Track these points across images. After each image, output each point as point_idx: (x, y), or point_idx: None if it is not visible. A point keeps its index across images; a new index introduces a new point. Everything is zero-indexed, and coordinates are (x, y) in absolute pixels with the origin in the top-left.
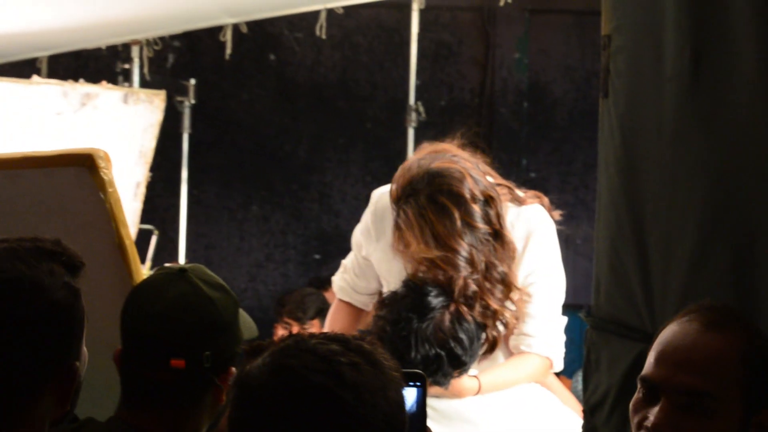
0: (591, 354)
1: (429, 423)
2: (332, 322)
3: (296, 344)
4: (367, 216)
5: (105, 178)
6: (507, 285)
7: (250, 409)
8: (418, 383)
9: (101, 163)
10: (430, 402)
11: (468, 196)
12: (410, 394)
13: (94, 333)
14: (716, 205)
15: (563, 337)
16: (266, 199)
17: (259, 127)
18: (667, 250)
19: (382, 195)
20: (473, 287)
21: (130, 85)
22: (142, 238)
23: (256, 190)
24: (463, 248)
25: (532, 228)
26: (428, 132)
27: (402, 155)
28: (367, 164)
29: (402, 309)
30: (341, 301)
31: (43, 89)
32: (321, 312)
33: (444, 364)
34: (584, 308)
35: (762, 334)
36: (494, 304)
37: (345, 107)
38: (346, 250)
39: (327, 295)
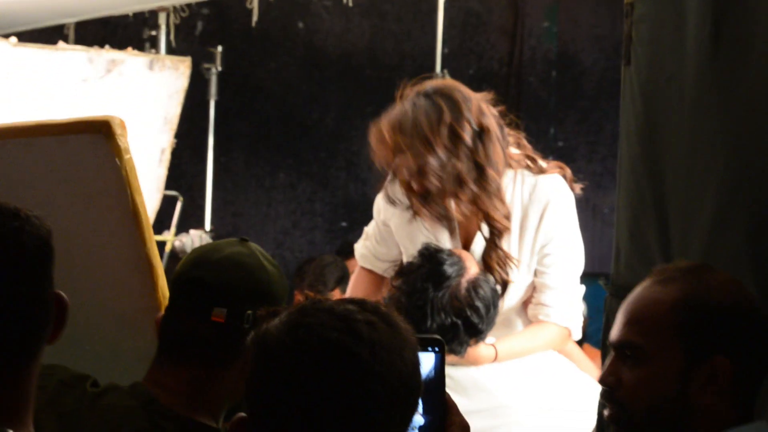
0: (610, 321)
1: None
2: (354, 289)
3: (313, 304)
4: (387, 181)
5: (121, 145)
6: (478, 207)
7: (267, 365)
8: (437, 348)
9: (117, 130)
10: (446, 370)
11: (463, 108)
12: (428, 360)
13: (106, 301)
14: (735, 174)
15: (581, 307)
16: (293, 167)
17: (286, 95)
18: (687, 217)
19: (395, 193)
20: (436, 185)
21: (157, 52)
22: (168, 204)
23: (283, 158)
24: (440, 148)
25: (549, 198)
26: None
27: None
28: None
29: (417, 279)
30: (363, 268)
31: (68, 55)
32: (342, 280)
33: (460, 332)
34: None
35: (716, 285)
36: (452, 212)
37: (373, 75)
38: (372, 217)
39: (351, 262)
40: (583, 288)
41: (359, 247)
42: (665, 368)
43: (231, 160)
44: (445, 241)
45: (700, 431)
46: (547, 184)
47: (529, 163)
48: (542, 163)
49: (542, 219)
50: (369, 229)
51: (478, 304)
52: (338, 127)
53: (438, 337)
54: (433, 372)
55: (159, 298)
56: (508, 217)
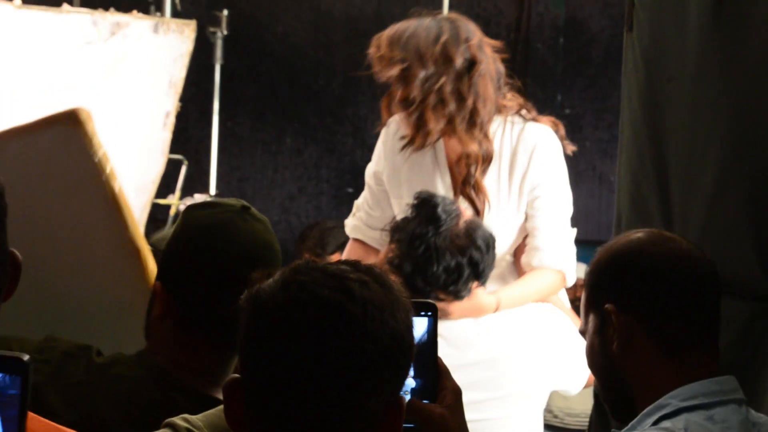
0: None
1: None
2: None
3: (306, 264)
4: (382, 132)
5: (90, 132)
6: (451, 126)
7: (259, 323)
8: (429, 313)
9: (85, 118)
10: (444, 324)
11: (463, 35)
12: (421, 324)
13: (101, 291)
14: (736, 140)
15: (574, 250)
16: (300, 131)
17: (293, 60)
18: (688, 182)
19: (391, 127)
20: (416, 95)
21: (162, 16)
22: (172, 167)
23: (289, 123)
24: (430, 62)
25: (536, 142)
26: None
27: None
28: None
29: (415, 226)
30: (354, 240)
31: (72, 18)
32: (342, 246)
33: (464, 272)
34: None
35: (616, 244)
36: (431, 124)
37: None
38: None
39: None
40: (574, 231)
41: (349, 221)
42: (592, 335)
43: (237, 124)
44: (428, 165)
45: (637, 383)
46: (534, 129)
47: (522, 111)
48: (536, 116)
49: (530, 162)
50: (359, 201)
51: (480, 242)
52: (345, 93)
53: (431, 301)
54: (425, 336)
55: (149, 281)
56: (489, 153)
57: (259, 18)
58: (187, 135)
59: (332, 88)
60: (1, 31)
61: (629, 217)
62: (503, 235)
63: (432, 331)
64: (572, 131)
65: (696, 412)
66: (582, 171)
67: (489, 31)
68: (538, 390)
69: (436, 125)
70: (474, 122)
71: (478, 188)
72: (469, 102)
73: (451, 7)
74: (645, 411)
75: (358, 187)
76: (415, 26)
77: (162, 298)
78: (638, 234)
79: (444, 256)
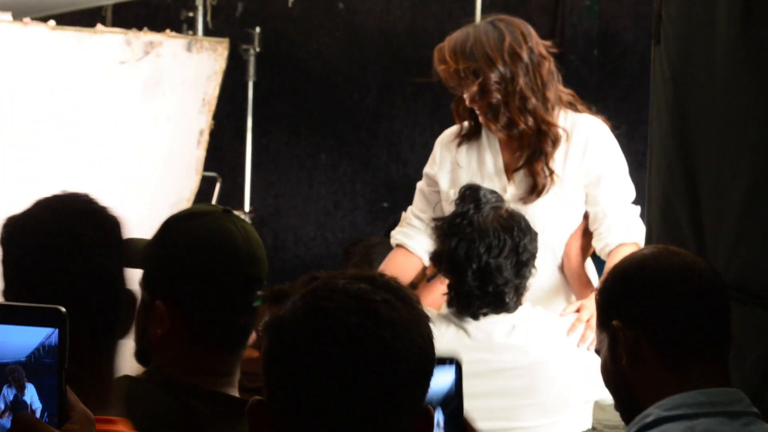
0: None
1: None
2: (384, 266)
3: (325, 285)
4: (434, 148)
5: None
6: (536, 119)
7: (286, 355)
8: (454, 363)
9: None
10: (483, 328)
11: (525, 32)
12: (447, 376)
13: None
14: (766, 152)
15: (642, 224)
16: (334, 147)
17: (326, 76)
18: (719, 197)
19: (447, 130)
20: (498, 98)
21: (194, 34)
22: (207, 185)
23: (324, 139)
24: (500, 64)
25: (590, 131)
26: None
27: None
28: (435, 112)
29: (457, 207)
30: (397, 246)
31: (106, 38)
32: None
33: (508, 252)
34: None
35: (626, 261)
36: (522, 125)
37: (413, 55)
38: (414, 197)
39: None
40: (638, 209)
41: (394, 232)
42: (605, 351)
43: (272, 141)
44: (490, 164)
45: (646, 397)
46: (586, 120)
47: (574, 102)
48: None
49: (586, 151)
50: (406, 213)
51: (522, 223)
52: (379, 107)
53: (455, 356)
54: (453, 388)
55: None
56: (558, 135)
57: (291, 34)
58: (222, 152)
59: (366, 103)
60: (36, 52)
61: (659, 230)
62: (565, 219)
63: (458, 384)
64: None
65: (678, 422)
66: None
67: None
68: (579, 397)
69: (525, 123)
70: (549, 108)
71: (543, 169)
72: (546, 93)
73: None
74: (633, 421)
75: (394, 201)
76: (474, 33)
77: (166, 317)
78: (644, 251)
79: (487, 233)
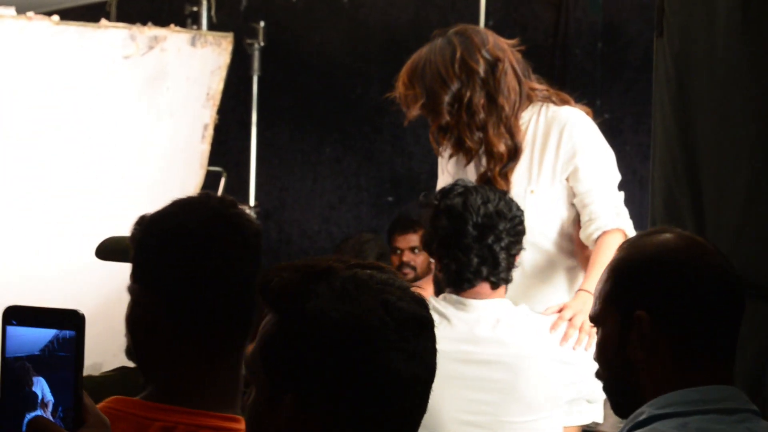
0: None
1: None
2: None
3: (371, 278)
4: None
5: None
6: (485, 137)
7: (341, 343)
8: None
9: None
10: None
11: (477, 42)
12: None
13: None
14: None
15: (626, 210)
16: (339, 141)
17: (330, 70)
18: (720, 187)
19: None
20: (446, 119)
21: (198, 28)
22: (212, 179)
23: (328, 133)
24: (453, 82)
25: (567, 119)
26: None
27: None
28: None
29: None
30: None
31: (110, 33)
32: (381, 258)
33: (504, 205)
34: None
35: (645, 244)
36: (468, 142)
37: (417, 49)
38: (419, 191)
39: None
40: (622, 195)
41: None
42: (610, 332)
43: (276, 135)
44: (471, 173)
45: (651, 389)
46: (566, 110)
47: (554, 98)
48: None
49: (561, 136)
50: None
51: (513, 205)
52: (383, 101)
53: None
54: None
55: None
56: (512, 148)
57: (295, 29)
58: (227, 146)
59: (370, 97)
60: (40, 47)
61: (663, 221)
62: (550, 216)
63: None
64: (612, 135)
65: (671, 419)
66: (622, 175)
67: (526, 36)
68: (564, 395)
69: (473, 140)
70: (500, 119)
71: (498, 182)
72: (499, 100)
73: (487, 15)
74: (627, 420)
75: (398, 195)
76: (427, 53)
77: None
78: (670, 237)
79: (478, 208)
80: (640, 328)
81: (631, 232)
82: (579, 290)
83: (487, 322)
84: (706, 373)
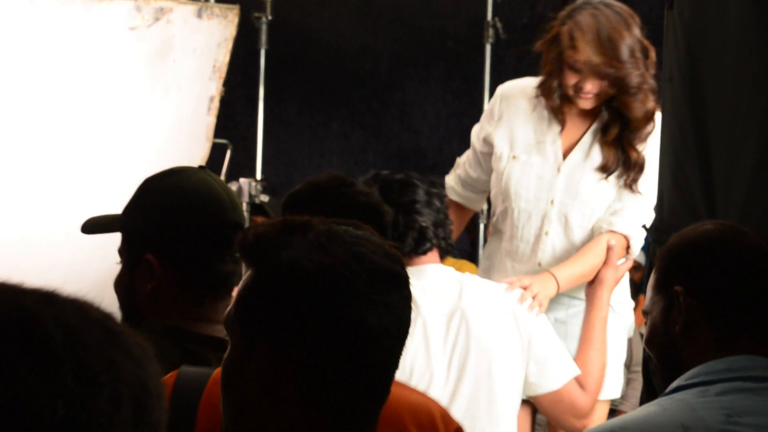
0: (653, 267)
1: None
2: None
3: (346, 232)
4: (492, 99)
5: None
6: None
7: (314, 295)
8: None
9: None
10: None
11: (632, 21)
12: None
13: None
14: None
15: (644, 233)
16: (346, 116)
17: (338, 45)
18: (729, 160)
19: (510, 83)
20: (636, 79)
21: (205, 0)
22: (218, 152)
23: (336, 108)
24: (628, 59)
25: (652, 131)
26: (508, 51)
27: (483, 73)
28: (447, 82)
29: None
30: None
31: (116, 4)
32: None
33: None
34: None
35: (689, 231)
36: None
37: (426, 25)
38: (426, 168)
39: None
40: (651, 215)
41: (447, 179)
42: (657, 315)
43: (283, 109)
44: (550, 132)
45: (693, 365)
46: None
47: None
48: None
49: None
50: (461, 159)
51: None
52: (391, 77)
53: None
54: None
55: None
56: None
57: (304, 3)
58: (234, 120)
59: (378, 73)
60: (46, 18)
61: (671, 194)
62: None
63: None
64: None
65: (694, 389)
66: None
67: (535, 13)
68: (515, 357)
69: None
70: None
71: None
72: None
73: None
74: None
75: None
76: (607, 23)
77: (157, 269)
78: (712, 225)
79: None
80: (678, 303)
81: (636, 245)
82: (546, 271)
83: (447, 277)
84: (742, 349)
